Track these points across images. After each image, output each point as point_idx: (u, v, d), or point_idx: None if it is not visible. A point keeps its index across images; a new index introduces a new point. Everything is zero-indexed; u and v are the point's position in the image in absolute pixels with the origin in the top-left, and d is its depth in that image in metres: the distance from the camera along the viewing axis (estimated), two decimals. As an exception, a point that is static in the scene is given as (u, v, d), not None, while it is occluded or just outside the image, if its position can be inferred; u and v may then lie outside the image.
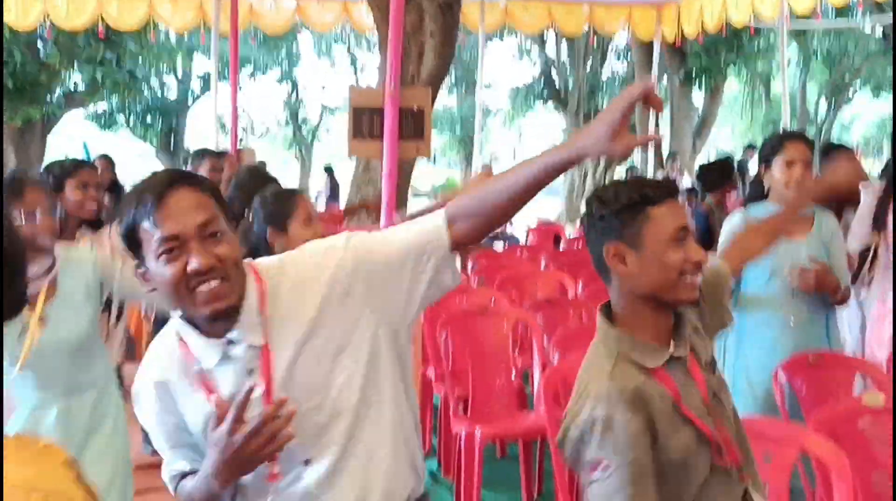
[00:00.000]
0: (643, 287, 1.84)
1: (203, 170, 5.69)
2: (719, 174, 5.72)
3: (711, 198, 5.57)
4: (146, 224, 1.64)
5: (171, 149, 34.83)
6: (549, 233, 11.07)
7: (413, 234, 1.77)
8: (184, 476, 1.84)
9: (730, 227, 3.56)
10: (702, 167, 6.20)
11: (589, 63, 28.72)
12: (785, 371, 3.14)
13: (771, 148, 3.56)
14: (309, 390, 1.72)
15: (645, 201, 1.81)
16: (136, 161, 38.77)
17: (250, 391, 1.61)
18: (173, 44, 20.23)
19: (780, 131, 3.80)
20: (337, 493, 1.75)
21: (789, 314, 3.43)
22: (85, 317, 2.93)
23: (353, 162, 8.49)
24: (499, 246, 12.82)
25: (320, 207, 20.38)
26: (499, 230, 13.45)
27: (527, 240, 11.17)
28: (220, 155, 5.80)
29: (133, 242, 1.68)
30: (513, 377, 4.53)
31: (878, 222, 4.20)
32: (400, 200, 6.07)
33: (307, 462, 1.75)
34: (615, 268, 1.85)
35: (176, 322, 1.78)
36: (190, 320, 1.74)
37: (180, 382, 1.75)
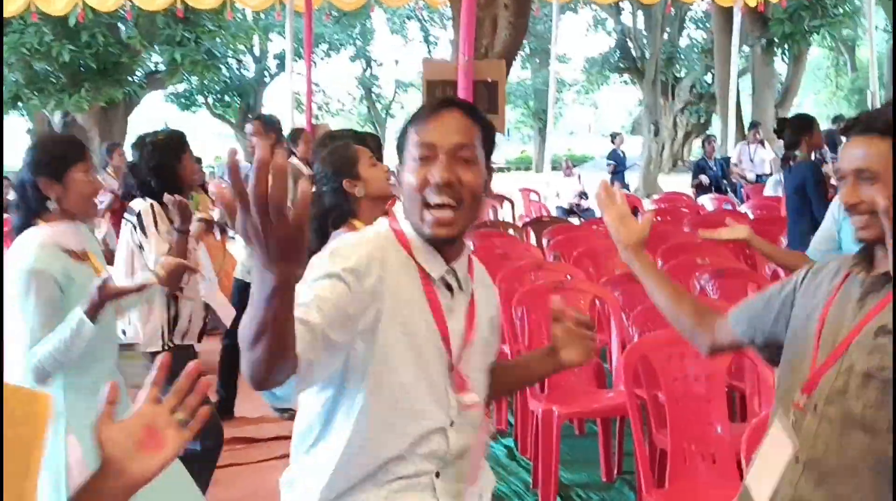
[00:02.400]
0: None
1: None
2: (797, 127, 5.44)
3: (801, 152, 5.34)
4: (413, 129, 1.78)
5: (249, 127, 35.35)
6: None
7: None
8: None
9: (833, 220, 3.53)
10: (780, 121, 5.97)
11: (666, 32, 28.19)
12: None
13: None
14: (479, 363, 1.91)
15: None
16: (215, 140, 39.53)
17: None
18: (250, 23, 20.44)
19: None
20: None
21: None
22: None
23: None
24: (575, 221, 12.68)
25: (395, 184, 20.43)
26: (574, 204, 13.31)
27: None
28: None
29: (401, 144, 1.83)
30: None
31: None
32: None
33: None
34: None
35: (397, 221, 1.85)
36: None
37: (406, 278, 1.77)
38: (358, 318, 1.65)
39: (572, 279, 4.70)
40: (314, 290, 1.61)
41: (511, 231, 7.78)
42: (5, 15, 11.85)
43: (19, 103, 16.63)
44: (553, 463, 3.95)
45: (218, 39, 17.89)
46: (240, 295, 5.56)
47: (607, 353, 4.53)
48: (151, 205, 3.69)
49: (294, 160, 6.07)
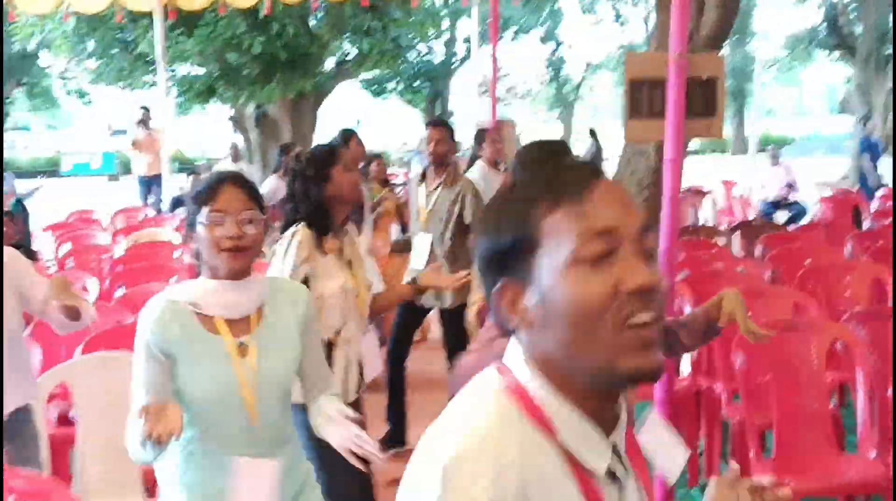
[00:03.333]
0: None
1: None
2: None
3: None
4: (566, 204, 1.08)
5: (436, 114, 35.48)
6: (845, 205, 9.49)
7: None
8: None
9: None
10: None
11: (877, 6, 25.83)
12: None
13: None
14: None
15: None
16: (404, 127, 40.04)
17: None
18: (439, 7, 20.15)
19: None
20: None
21: None
22: (294, 354, 2.41)
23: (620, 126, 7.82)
24: (781, 217, 11.52)
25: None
26: (782, 197, 12.07)
27: (818, 214, 9.65)
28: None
29: (522, 224, 1.10)
30: (827, 406, 3.68)
31: None
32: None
33: None
34: None
35: (518, 375, 1.12)
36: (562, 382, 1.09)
37: (552, 481, 1.06)
38: None
39: (805, 315, 3.92)
40: None
41: (716, 240, 6.93)
42: (194, 8, 11.97)
43: (213, 97, 16.98)
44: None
45: (406, 27, 17.61)
46: (403, 317, 5.06)
47: (851, 403, 3.74)
48: (297, 230, 3.19)
49: (473, 173, 5.57)
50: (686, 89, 3.56)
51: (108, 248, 7.44)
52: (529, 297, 1.09)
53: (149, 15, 12.01)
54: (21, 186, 10.56)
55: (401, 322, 5.09)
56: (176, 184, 11.57)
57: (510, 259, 1.10)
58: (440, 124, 5.08)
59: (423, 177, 5.11)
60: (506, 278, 1.10)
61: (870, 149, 12.82)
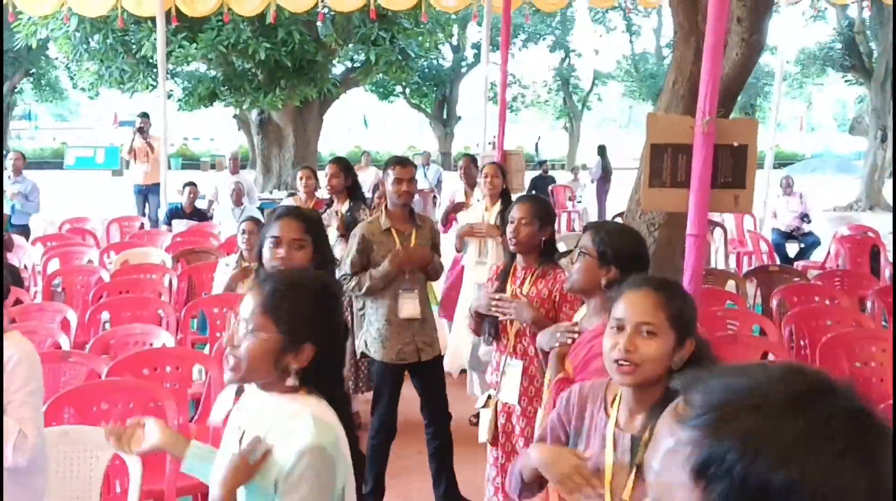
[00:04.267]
0: None
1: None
2: None
3: None
4: None
5: (444, 117, 35.21)
6: (862, 247, 8.81)
7: None
8: None
9: None
10: None
11: (898, 26, 25.51)
12: None
13: None
14: None
15: None
16: (410, 130, 39.74)
17: None
18: (448, 15, 19.89)
19: None
20: None
21: None
22: None
23: (635, 149, 7.52)
24: (791, 249, 11.20)
25: (590, 185, 19.29)
26: (794, 227, 11.71)
27: (833, 255, 9.09)
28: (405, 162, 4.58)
29: None
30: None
31: None
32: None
33: None
34: None
35: None
36: None
37: None
38: None
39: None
40: None
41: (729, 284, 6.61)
42: (199, 14, 11.72)
43: (216, 101, 16.71)
44: None
45: (413, 36, 17.29)
46: (384, 377, 4.56)
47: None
48: None
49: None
50: (713, 157, 3.26)
51: (95, 269, 7.14)
52: None
53: (151, 19, 11.74)
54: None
55: (382, 381, 4.60)
56: (177, 182, 11.19)
57: None
58: (409, 163, 4.56)
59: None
60: None
61: None
